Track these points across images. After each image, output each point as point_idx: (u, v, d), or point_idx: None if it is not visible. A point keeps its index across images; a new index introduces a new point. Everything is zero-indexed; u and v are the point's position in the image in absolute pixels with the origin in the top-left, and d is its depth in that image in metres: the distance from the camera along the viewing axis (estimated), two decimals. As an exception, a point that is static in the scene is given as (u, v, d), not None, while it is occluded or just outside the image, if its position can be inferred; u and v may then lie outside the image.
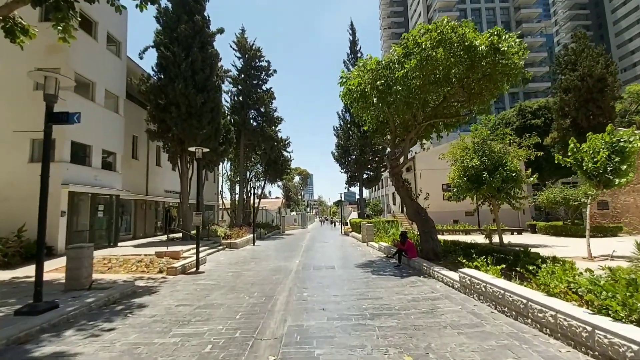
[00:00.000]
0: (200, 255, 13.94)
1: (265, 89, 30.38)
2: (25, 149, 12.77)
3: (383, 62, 10.38)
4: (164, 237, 18.30)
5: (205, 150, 11.55)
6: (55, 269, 10.15)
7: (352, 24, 33.21)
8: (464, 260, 7.75)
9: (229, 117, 22.20)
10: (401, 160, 12.01)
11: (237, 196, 31.15)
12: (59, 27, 9.43)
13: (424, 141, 13.43)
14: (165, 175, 22.79)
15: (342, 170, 32.39)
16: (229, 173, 35.43)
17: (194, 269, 10.90)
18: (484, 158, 15.72)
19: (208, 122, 17.82)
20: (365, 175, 32.28)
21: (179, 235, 18.50)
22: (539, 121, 35.06)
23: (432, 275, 8.42)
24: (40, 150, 13.03)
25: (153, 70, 18.05)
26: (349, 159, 31.27)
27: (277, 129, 31.84)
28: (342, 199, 44.50)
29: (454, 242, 12.18)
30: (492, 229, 18.87)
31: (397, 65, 10.08)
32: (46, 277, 9.21)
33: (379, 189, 62.35)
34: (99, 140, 14.75)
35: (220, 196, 35.97)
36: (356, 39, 33.16)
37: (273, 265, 11.80)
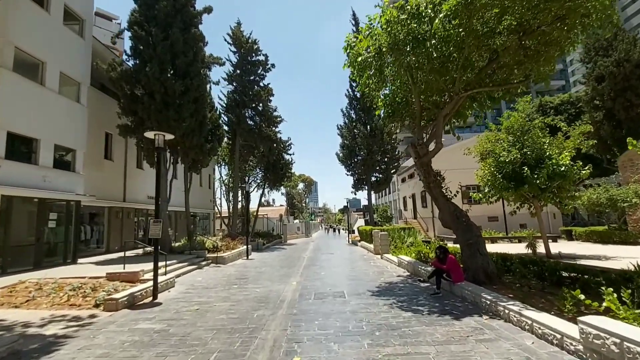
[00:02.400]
0: (174, 274, 11.02)
1: (262, 85, 27.74)
2: (-55, 142, 10.00)
3: (408, 7, 7.46)
4: (147, 250, 15.39)
5: (169, 137, 8.68)
6: (-47, 302, 7.25)
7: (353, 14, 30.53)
8: (574, 297, 4.71)
9: (221, 115, 19.43)
10: (431, 146, 9.02)
11: (234, 203, 28.22)
12: None
13: (457, 122, 10.41)
14: (147, 179, 19.93)
15: (347, 173, 29.41)
16: (224, 178, 32.64)
17: (151, 297, 7.94)
18: (525, 150, 12.77)
19: (190, 114, 15.01)
20: (373, 178, 29.23)
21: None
22: (562, 117, 32.00)
23: (503, 314, 5.34)
24: (-33, 143, 10.32)
25: (126, 54, 15.38)
26: (355, 160, 28.29)
27: (276, 129, 29.08)
28: (348, 205, 41.48)
29: (500, 257, 9.11)
30: (529, 235, 15.76)
31: (429, 11, 7.16)
32: None
33: (386, 195, 59.25)
34: (50, 133, 11.98)
35: (215, 203, 33.13)
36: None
37: (261, 290, 8.78)
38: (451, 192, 8.85)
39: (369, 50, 8.61)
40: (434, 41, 7.10)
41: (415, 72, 8.73)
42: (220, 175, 32.68)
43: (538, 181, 11.75)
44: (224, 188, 32.93)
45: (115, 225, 17.78)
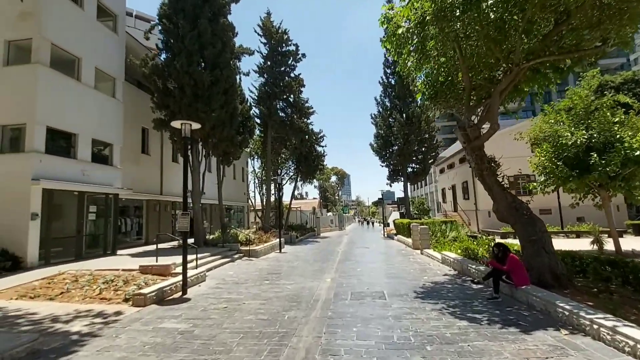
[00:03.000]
0: (206, 267, 10.82)
1: (293, 75, 27.19)
2: (-10, 138, 10.42)
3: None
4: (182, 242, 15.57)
5: (196, 126, 8.29)
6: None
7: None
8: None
9: (252, 107, 19.14)
10: (483, 129, 7.88)
11: (267, 196, 28.20)
12: None
13: (512, 102, 9.08)
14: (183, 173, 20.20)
15: (382, 164, 28.22)
16: (257, 171, 32.74)
17: (180, 292, 7.66)
18: (592, 132, 11.12)
19: (220, 105, 14.76)
20: (410, 169, 27.81)
21: (193, 240, 15.67)
22: (627, 98, 28.41)
23: (589, 329, 4.29)
24: (13, 140, 10.70)
25: (157, 48, 15.42)
26: (391, 150, 27.02)
27: (308, 121, 28.49)
28: (382, 197, 40.20)
29: (569, 255, 7.81)
30: (594, 230, 13.94)
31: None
32: None
33: (421, 187, 56.93)
34: (87, 128, 12.21)
35: (249, 196, 33.40)
36: None
37: (293, 286, 8.22)
38: (507, 181, 7.67)
39: (409, 21, 7.62)
40: (490, 1, 5.98)
41: (464, 42, 7.61)
42: (254, 168, 32.83)
43: (608, 168, 10.15)
44: (257, 181, 33.03)
45: (153, 217, 18.21)
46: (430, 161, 27.31)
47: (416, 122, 25.23)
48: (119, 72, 14.14)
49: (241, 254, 14.17)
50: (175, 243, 15.78)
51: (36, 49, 10.56)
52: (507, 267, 6.21)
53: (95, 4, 12.95)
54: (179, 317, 5.85)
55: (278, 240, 17.42)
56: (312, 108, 28.65)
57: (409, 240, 16.99)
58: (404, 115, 26.15)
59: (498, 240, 12.37)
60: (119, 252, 13.49)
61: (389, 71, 27.65)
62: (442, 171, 33.52)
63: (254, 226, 31.38)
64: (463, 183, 25.78)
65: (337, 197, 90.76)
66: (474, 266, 8.30)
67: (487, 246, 9.98)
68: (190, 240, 16.08)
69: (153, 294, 6.89)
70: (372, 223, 62.30)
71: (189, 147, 15.70)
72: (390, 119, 26.71)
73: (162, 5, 15.07)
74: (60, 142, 11.37)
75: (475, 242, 10.96)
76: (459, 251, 10.57)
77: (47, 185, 10.36)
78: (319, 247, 19.88)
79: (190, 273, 8.82)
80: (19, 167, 10.12)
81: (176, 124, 8.04)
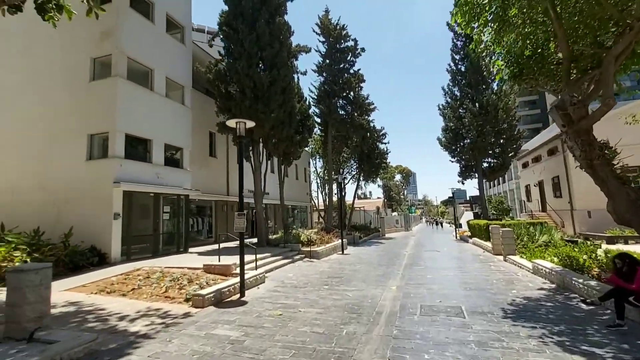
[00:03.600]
0: (265, 268, 10.72)
1: (352, 72, 26.45)
2: (83, 146, 11.68)
3: None
4: (249, 241, 16.02)
5: (250, 124, 8.14)
6: (82, 285, 8.11)
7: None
8: None
9: (311, 106, 18.95)
10: (588, 108, 6.21)
11: (329, 196, 27.93)
12: None
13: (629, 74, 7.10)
14: (248, 174, 20.87)
15: (452, 159, 25.77)
16: (318, 171, 32.69)
17: (238, 294, 7.50)
18: None
19: (278, 105, 14.74)
20: (485, 164, 24.94)
21: (256, 240, 15.95)
22: None
23: None
24: (99, 147, 11.90)
25: (220, 55, 16.04)
26: (462, 144, 24.51)
27: (369, 118, 27.49)
28: (454, 196, 37.08)
29: None
30: None
31: None
32: (64, 296, 7.25)
33: (499, 184, 51.39)
34: (160, 134, 13.10)
35: (311, 196, 33.54)
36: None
37: (354, 294, 7.50)
38: (630, 174, 5.91)
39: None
40: None
41: (560, 1, 6.11)
42: (315, 168, 32.87)
43: None
44: (319, 181, 33.01)
45: (221, 217, 19.10)
46: (510, 154, 24.11)
47: (492, 111, 22.43)
48: (187, 80, 14.98)
49: (302, 255, 13.91)
50: (248, 241, 16.25)
51: (115, 63, 11.59)
52: (637, 285, 4.64)
53: (164, 18, 13.88)
54: (232, 322, 5.56)
55: (340, 241, 16.85)
56: (373, 104, 27.56)
57: (488, 244, 14.98)
58: (477, 104, 23.48)
59: (605, 246, 10.01)
60: (190, 249, 14.26)
61: (457, 57, 25.17)
62: (525, 165, 29.52)
63: (317, 226, 31.34)
64: (553, 178, 22.18)
65: (402, 197, 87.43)
66: (580, 280, 6.61)
67: (592, 254, 8.02)
68: (253, 240, 16.49)
69: (211, 295, 6.80)
70: (441, 224, 58.10)
71: (250, 147, 16.10)
72: (460, 110, 24.24)
73: (222, 13, 15.61)
74: (137, 148, 12.36)
75: (575, 249, 8.95)
76: (556, 259, 8.70)
77: (126, 188, 11.28)
78: (383, 248, 18.80)
79: (249, 274, 8.71)
80: (104, 171, 11.18)
81: (231, 123, 7.96)
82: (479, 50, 8.41)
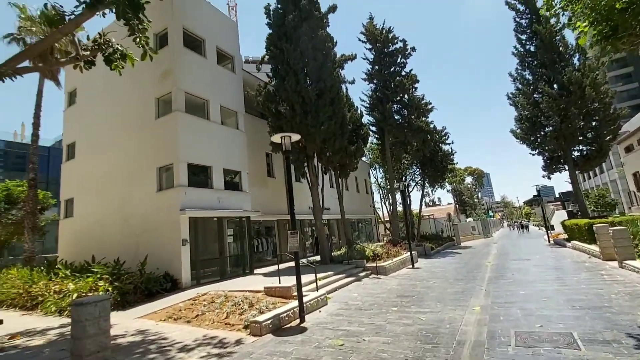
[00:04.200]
0: (328, 288, 10.10)
1: (404, 73, 25.26)
2: (153, 178, 12.63)
3: None
4: (310, 259, 15.73)
5: (295, 137, 7.80)
6: (154, 312, 8.41)
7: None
8: None
9: (363, 115, 18.30)
10: None
11: (392, 206, 26.53)
12: (135, 37, 8.23)
13: None
14: (307, 191, 20.83)
15: (532, 152, 22.50)
16: (379, 181, 31.45)
17: (298, 319, 6.97)
18: None
19: (328, 116, 14.39)
20: (576, 152, 21.27)
21: (319, 257, 15.50)
22: None
23: None
24: (167, 178, 12.76)
25: (268, 77, 16.43)
26: (542, 132, 21.29)
27: (427, 119, 25.82)
28: (539, 194, 32.47)
29: None
30: None
31: None
32: (135, 324, 7.55)
33: (595, 176, 43.98)
34: (218, 160, 13.64)
35: (374, 208, 32.29)
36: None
37: (428, 317, 6.43)
38: None
39: None
40: None
41: None
42: (376, 178, 31.71)
43: None
44: (380, 191, 31.69)
45: (285, 236, 19.13)
46: (608, 138, 20.17)
47: (576, 90, 19.11)
48: (240, 106, 15.57)
49: (368, 271, 12.99)
50: (304, 260, 15.96)
51: (174, 99, 12.47)
52: None
53: (215, 52, 14.72)
54: (289, 355, 5.01)
55: (409, 253, 15.51)
56: (430, 104, 25.81)
57: (593, 248, 12.35)
58: (555, 85, 20.34)
59: None
60: (256, 270, 14.34)
61: (524, 37, 22.34)
62: (629, 149, 24.61)
63: (384, 239, 29.92)
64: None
65: (476, 200, 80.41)
66: None
67: None
68: (317, 258, 16.06)
69: (269, 321, 6.38)
70: (526, 227, 51.05)
71: (305, 163, 15.93)
72: (535, 95, 21.22)
73: (268, 36, 16.04)
74: (199, 175, 12.99)
75: None
76: None
77: (191, 214, 11.80)
78: (460, 260, 16.84)
79: (309, 296, 8.18)
80: (171, 200, 11.88)
81: (276, 138, 7.71)
82: (551, 14, 6.97)
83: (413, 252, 16.81)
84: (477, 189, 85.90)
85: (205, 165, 13.17)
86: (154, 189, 12.55)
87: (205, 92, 13.73)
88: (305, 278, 10.20)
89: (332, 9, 16.62)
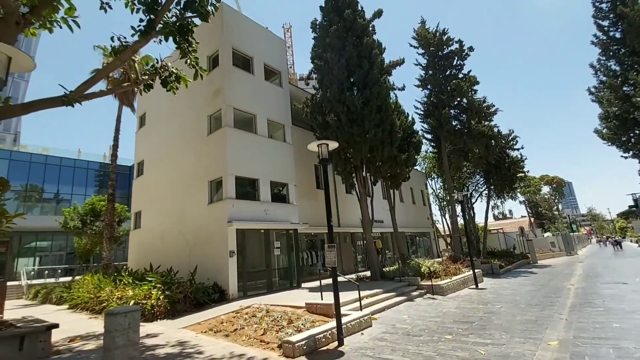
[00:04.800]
0: (375, 308, 9.32)
1: (462, 75, 23.62)
2: (205, 192, 13.18)
3: None
4: (360, 275, 15.00)
5: (333, 145, 7.40)
6: (197, 323, 8.50)
7: None
8: None
9: (417, 123, 17.28)
10: None
11: (452, 218, 24.45)
12: (187, 59, 8.83)
13: None
14: (355, 202, 20.21)
15: (624, 155, 19.01)
16: (437, 192, 29.36)
17: (336, 342, 6.38)
18: None
19: (375, 124, 13.77)
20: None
21: (369, 273, 14.66)
22: None
23: None
24: (217, 191, 13.24)
25: (315, 89, 16.44)
26: (636, 131, 17.90)
27: (490, 123, 23.59)
28: (636, 204, 27.45)
29: None
30: None
31: None
32: (177, 335, 7.64)
33: None
34: (266, 172, 13.82)
35: (433, 221, 30.16)
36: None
37: (490, 350, 5.38)
38: None
39: None
40: None
41: None
42: (433, 189, 29.70)
43: None
44: (438, 203, 29.52)
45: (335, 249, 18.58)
46: None
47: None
48: (287, 119, 15.75)
49: (422, 290, 11.83)
50: (353, 276, 15.23)
51: (223, 115, 13.02)
52: None
53: (262, 68, 15.21)
54: (317, 384, 4.48)
55: (471, 272, 13.86)
56: (494, 106, 23.71)
57: None
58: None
59: None
60: (304, 284, 14.01)
61: (606, 23, 19.36)
62: None
63: (444, 255, 27.66)
64: None
65: (556, 213, 71.37)
66: None
67: None
68: (367, 273, 15.21)
69: (303, 342, 5.91)
70: (619, 244, 41.87)
71: (353, 175, 15.39)
72: (625, 87, 18.05)
73: (313, 47, 16.13)
74: (246, 188, 13.26)
75: None
76: None
77: (238, 226, 12.00)
78: (535, 281, 14.59)
79: (351, 316, 7.55)
80: (220, 213, 12.24)
81: (312, 146, 7.40)
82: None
83: (477, 270, 15.04)
84: (556, 200, 76.35)
85: (252, 178, 13.42)
86: (206, 202, 13.09)
87: (252, 107, 14.16)
88: (350, 295, 9.61)
89: (378, 14, 16.22)
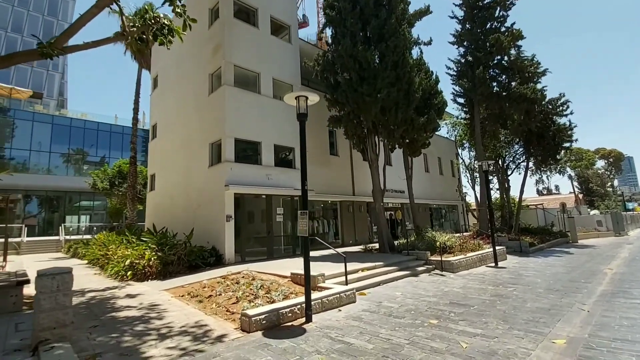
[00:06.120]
0: (370, 281, 8.61)
1: (504, 29, 20.67)
2: (206, 154, 12.76)
3: None
4: (369, 247, 14.28)
5: (314, 98, 6.37)
6: (180, 286, 8.31)
7: None
8: None
9: (437, 79, 15.30)
10: None
11: (481, 190, 22.50)
12: (173, 7, 8.01)
13: None
14: (366, 168, 19.03)
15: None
16: (467, 162, 27.08)
17: (304, 318, 5.76)
18: None
19: (390, 82, 12.25)
20: None
21: (377, 245, 13.83)
22: None
23: None
24: (217, 154, 12.75)
25: (327, 45, 14.98)
26: None
27: (537, 85, 20.68)
28: None
29: None
30: None
31: None
32: (154, 297, 7.50)
33: None
34: (269, 135, 13.06)
35: (462, 193, 28.21)
36: None
37: (474, 344, 4.45)
38: None
39: None
40: None
41: None
42: (462, 159, 27.42)
43: None
44: (468, 175, 27.31)
45: (348, 219, 17.89)
46: None
47: None
48: (295, 78, 14.62)
49: (430, 266, 10.85)
50: (370, 246, 14.51)
51: (223, 73, 12.20)
52: None
53: (268, 21, 13.97)
54: (251, 367, 3.88)
55: (492, 249, 12.56)
56: (541, 66, 20.67)
57: None
58: None
59: None
60: (312, 252, 13.54)
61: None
62: None
63: (473, 229, 26.00)
64: None
65: (609, 189, 64.79)
66: None
67: None
68: (376, 245, 14.39)
69: (262, 317, 5.33)
70: None
71: (365, 138, 14.16)
72: None
73: (328, -2, 14.49)
74: (247, 151, 12.62)
75: None
76: None
77: (236, 190, 11.54)
78: (567, 262, 12.97)
79: (332, 290, 6.88)
80: (218, 176, 11.82)
81: (289, 98, 6.43)
82: None
83: (500, 248, 13.75)
84: (611, 176, 69.06)
85: (254, 141, 12.74)
86: (207, 165, 12.71)
87: (256, 65, 13.17)
88: (350, 266, 8.90)
89: (401, -47, 14.01)
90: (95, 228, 27.87)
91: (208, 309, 6.47)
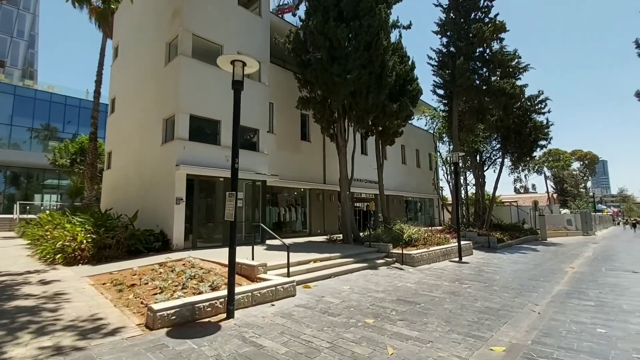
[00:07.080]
0: (320, 273, 8.02)
1: (488, 19, 20.16)
2: (159, 131, 11.76)
3: None
4: (333, 237, 13.69)
5: (252, 65, 5.59)
6: (109, 272, 7.48)
7: None
8: None
9: (413, 65, 14.67)
10: None
11: (455, 185, 22.24)
12: None
13: None
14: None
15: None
16: (443, 156, 26.83)
17: (224, 313, 5.08)
18: None
19: (361, 64, 11.50)
20: None
21: (341, 236, 13.27)
22: None
23: None
24: (170, 131, 11.76)
25: (300, 20, 14.02)
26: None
27: (517, 81, 20.35)
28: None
29: None
30: None
31: None
32: (72, 284, 6.57)
33: None
34: (230, 114, 12.00)
35: (437, 187, 28.03)
36: None
37: (400, 351, 3.88)
38: None
39: None
40: None
41: None
42: (439, 153, 27.13)
43: None
44: (445, 168, 27.09)
45: (317, 207, 17.27)
46: None
47: None
48: (264, 55, 13.64)
49: (392, 259, 10.38)
50: (335, 236, 13.89)
51: (180, 42, 11.15)
52: None
53: (236, -10, 12.86)
54: (124, 376, 3.17)
55: (457, 243, 12.20)
56: (523, 62, 20.35)
57: None
58: None
59: None
60: (269, 242, 12.86)
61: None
62: None
63: (448, 223, 25.94)
64: None
65: (582, 190, 66.79)
66: None
67: None
68: (339, 236, 13.86)
69: (172, 312, 4.62)
70: (635, 225, 40.32)
71: (333, 123, 13.42)
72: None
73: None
74: (204, 130, 11.70)
75: None
76: None
77: (189, 171, 10.65)
78: (531, 259, 12.80)
79: (267, 283, 6.21)
80: (170, 154, 10.88)
81: (222, 62, 5.65)
82: None
83: (467, 242, 13.50)
84: (585, 177, 71.15)
85: (213, 119, 11.80)
86: (160, 142, 11.72)
87: (220, 37, 12.12)
88: (296, 257, 8.27)
89: None
90: (56, 207, 26.30)
91: (123, 299, 5.70)
